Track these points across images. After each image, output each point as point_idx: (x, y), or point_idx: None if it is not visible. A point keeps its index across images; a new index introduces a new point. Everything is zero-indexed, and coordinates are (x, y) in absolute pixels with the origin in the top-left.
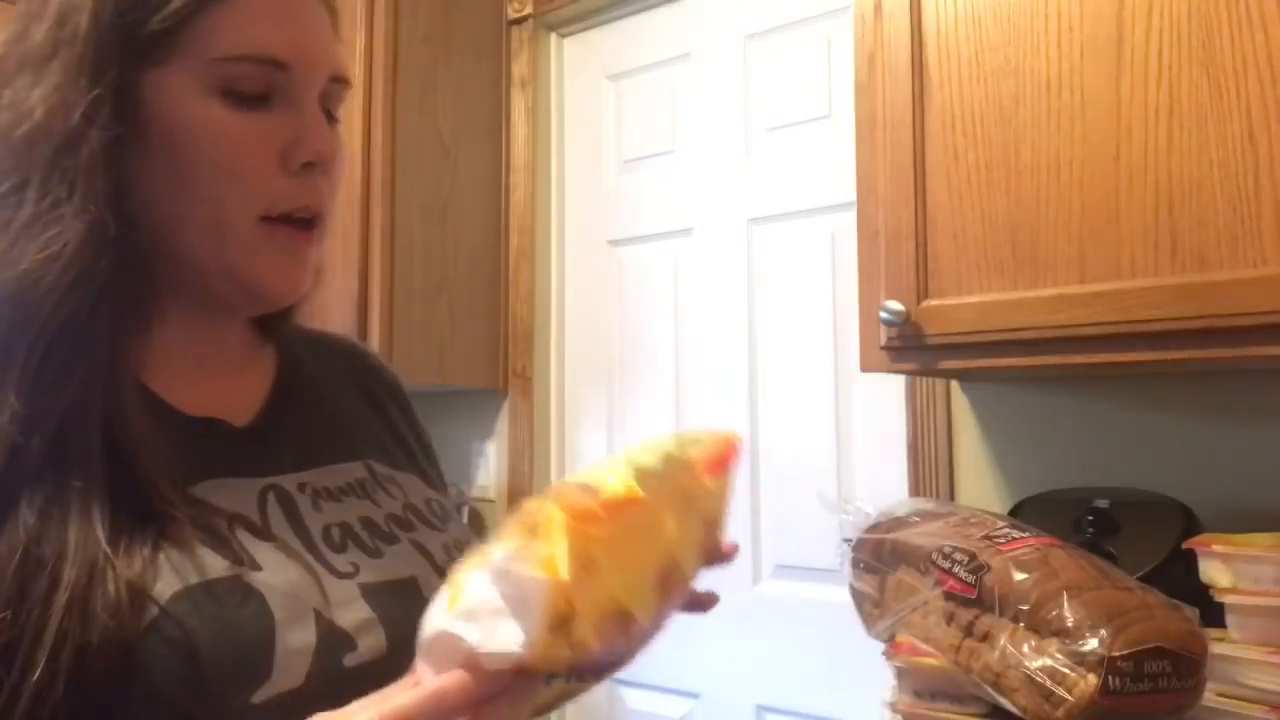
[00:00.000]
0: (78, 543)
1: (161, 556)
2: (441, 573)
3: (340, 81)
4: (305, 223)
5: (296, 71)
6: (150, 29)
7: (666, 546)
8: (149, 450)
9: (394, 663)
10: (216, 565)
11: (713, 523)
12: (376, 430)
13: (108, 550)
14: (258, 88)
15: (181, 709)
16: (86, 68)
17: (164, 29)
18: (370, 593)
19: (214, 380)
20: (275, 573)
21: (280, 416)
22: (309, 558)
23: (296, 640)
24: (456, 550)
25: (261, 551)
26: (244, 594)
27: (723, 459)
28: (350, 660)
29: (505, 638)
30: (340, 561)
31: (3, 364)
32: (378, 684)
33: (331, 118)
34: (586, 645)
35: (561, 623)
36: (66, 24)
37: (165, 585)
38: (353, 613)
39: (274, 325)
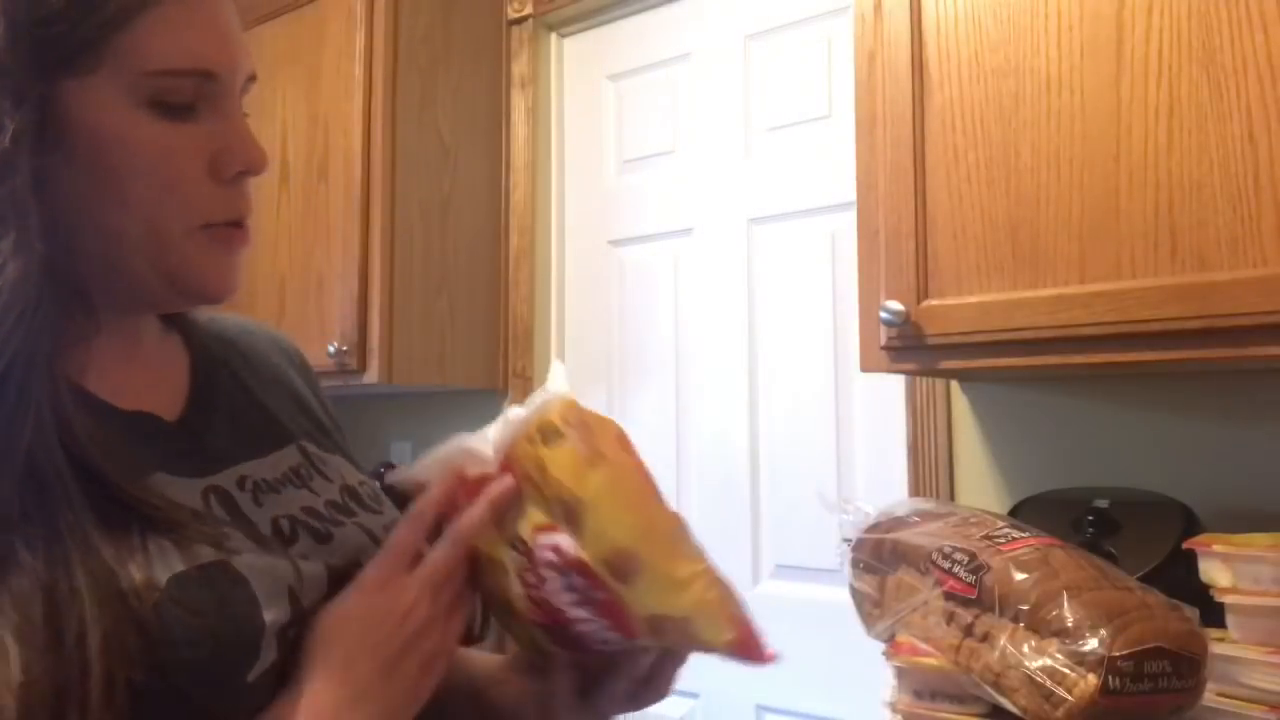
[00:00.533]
0: (91, 579)
1: (153, 550)
2: None
3: (252, 79)
4: (239, 223)
5: (223, 80)
6: (75, 39)
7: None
8: (103, 452)
9: None
10: (204, 551)
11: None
12: (297, 413)
13: (121, 576)
14: (186, 98)
15: (190, 695)
16: (7, 87)
17: (89, 39)
18: (332, 574)
19: (139, 373)
20: (251, 557)
21: (206, 407)
22: (272, 546)
23: (275, 618)
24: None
25: (234, 538)
26: (233, 577)
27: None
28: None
29: (481, 441)
30: (294, 550)
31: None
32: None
33: (246, 115)
34: (553, 509)
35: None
36: None
37: (163, 572)
38: (318, 591)
39: (174, 315)
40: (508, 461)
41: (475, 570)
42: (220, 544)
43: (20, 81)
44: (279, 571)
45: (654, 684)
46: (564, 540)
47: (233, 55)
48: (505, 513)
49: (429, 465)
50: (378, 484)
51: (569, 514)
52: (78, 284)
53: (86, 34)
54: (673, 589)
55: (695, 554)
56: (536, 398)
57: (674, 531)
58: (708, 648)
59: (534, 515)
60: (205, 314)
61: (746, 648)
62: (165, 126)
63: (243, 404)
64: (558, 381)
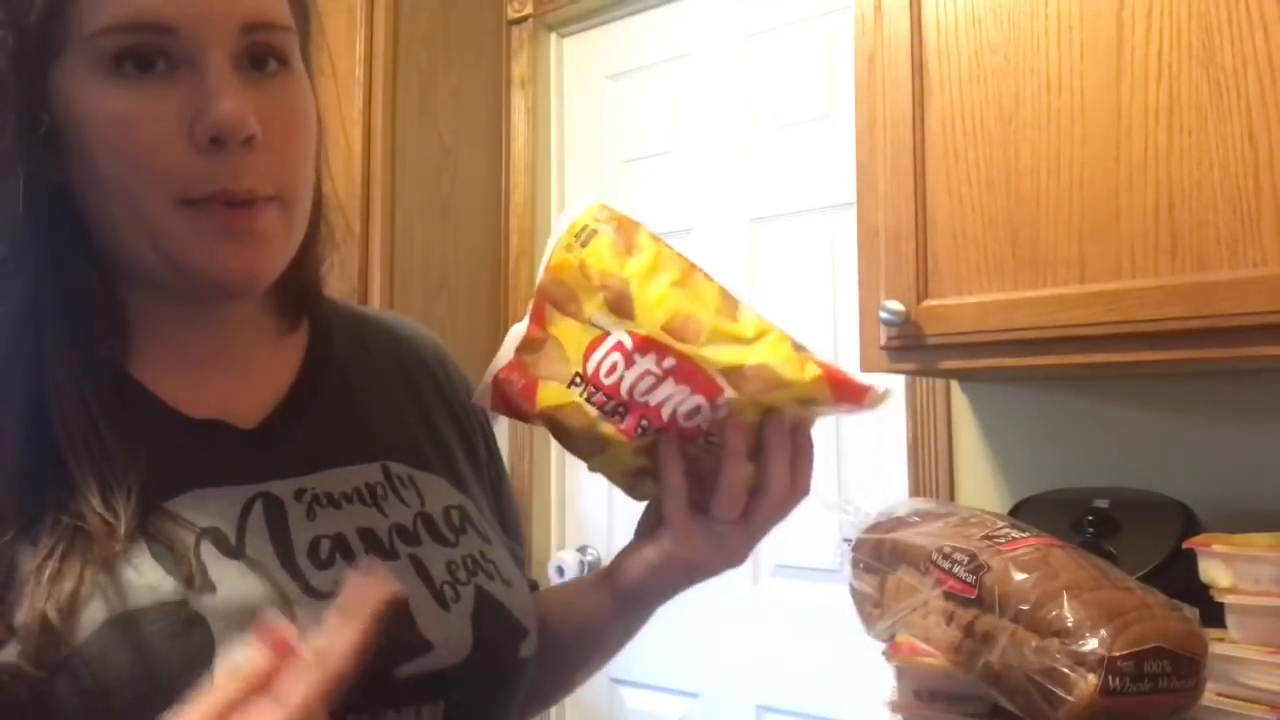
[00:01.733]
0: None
1: (99, 580)
2: (439, 596)
3: (263, 27)
4: (241, 200)
5: (187, 33)
6: (34, 20)
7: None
8: (122, 460)
9: (373, 690)
10: (164, 587)
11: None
12: (410, 425)
13: (35, 579)
14: (143, 55)
15: None
16: (5, 89)
17: (47, 15)
18: None
19: (221, 378)
20: (232, 593)
21: (293, 416)
22: (281, 574)
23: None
24: (463, 569)
25: (224, 570)
26: (181, 621)
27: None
28: None
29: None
30: (321, 579)
31: None
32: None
33: (271, 65)
34: (599, 318)
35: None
36: None
37: (91, 615)
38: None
39: (299, 311)
40: (546, 282)
41: (560, 429)
42: (189, 582)
43: (5, 86)
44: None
45: (775, 466)
46: (617, 337)
47: (196, 11)
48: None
49: (497, 360)
50: (462, 508)
51: (617, 301)
52: (106, 277)
53: (45, 9)
54: (740, 343)
55: (756, 315)
56: (566, 214)
57: (727, 298)
58: (799, 392)
59: (578, 342)
60: (372, 313)
61: (839, 385)
62: (127, 92)
63: (340, 412)
64: (585, 199)
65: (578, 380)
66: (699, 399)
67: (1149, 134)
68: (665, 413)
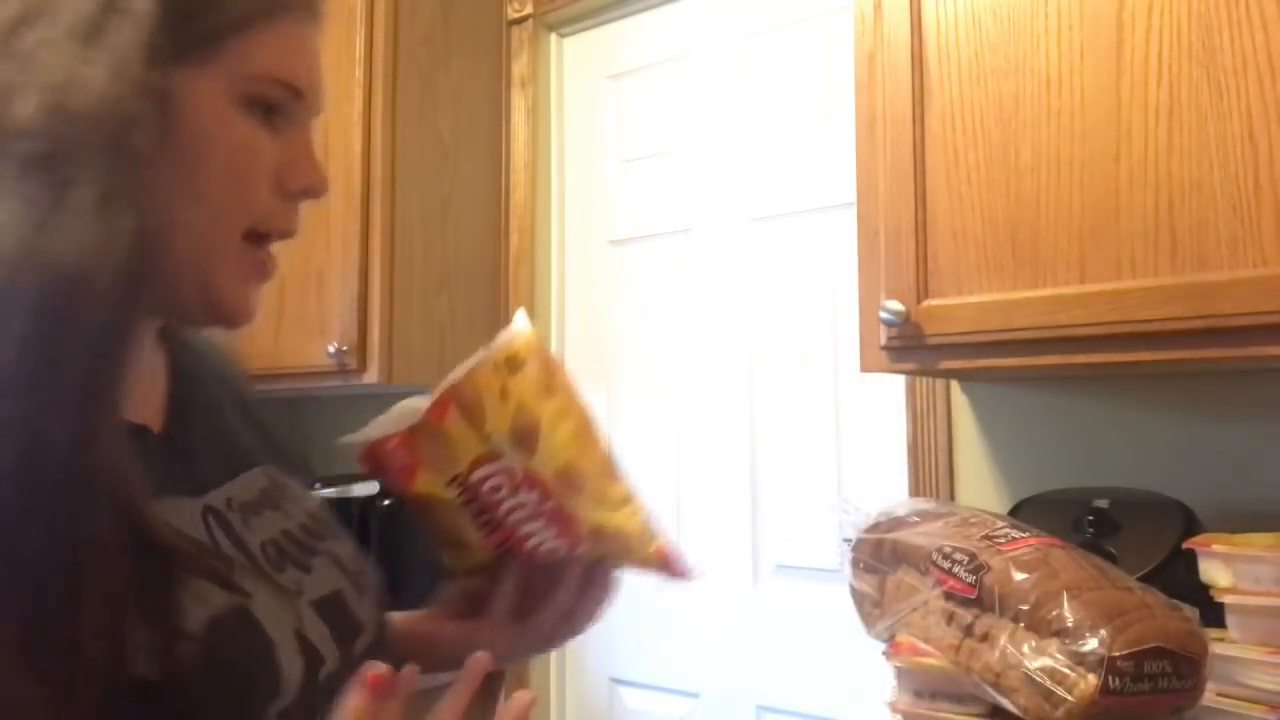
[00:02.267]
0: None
1: (180, 590)
2: (357, 584)
3: (318, 114)
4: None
5: (308, 101)
6: (197, 33)
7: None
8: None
9: (346, 674)
10: (215, 599)
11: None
12: (250, 433)
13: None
14: (275, 105)
15: None
16: (142, 57)
17: (208, 35)
18: (318, 608)
19: (137, 381)
20: (259, 597)
21: (186, 422)
22: (265, 579)
23: (290, 660)
24: (357, 560)
25: (238, 572)
26: (248, 621)
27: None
28: (321, 674)
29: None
30: (286, 580)
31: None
32: (335, 695)
33: None
34: (497, 438)
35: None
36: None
37: (194, 615)
38: (316, 629)
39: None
40: (463, 386)
41: (424, 513)
42: (231, 585)
43: (153, 57)
44: (284, 615)
45: (587, 602)
46: (510, 464)
47: (317, 83)
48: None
49: (382, 423)
50: (323, 501)
51: (524, 433)
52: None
53: (206, 30)
54: (611, 504)
55: (628, 483)
56: (502, 336)
57: (610, 461)
58: (636, 559)
59: (469, 449)
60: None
61: (668, 561)
62: (250, 128)
63: (216, 425)
64: (520, 323)
65: (456, 482)
66: (561, 543)
67: (1149, 134)
68: (530, 544)
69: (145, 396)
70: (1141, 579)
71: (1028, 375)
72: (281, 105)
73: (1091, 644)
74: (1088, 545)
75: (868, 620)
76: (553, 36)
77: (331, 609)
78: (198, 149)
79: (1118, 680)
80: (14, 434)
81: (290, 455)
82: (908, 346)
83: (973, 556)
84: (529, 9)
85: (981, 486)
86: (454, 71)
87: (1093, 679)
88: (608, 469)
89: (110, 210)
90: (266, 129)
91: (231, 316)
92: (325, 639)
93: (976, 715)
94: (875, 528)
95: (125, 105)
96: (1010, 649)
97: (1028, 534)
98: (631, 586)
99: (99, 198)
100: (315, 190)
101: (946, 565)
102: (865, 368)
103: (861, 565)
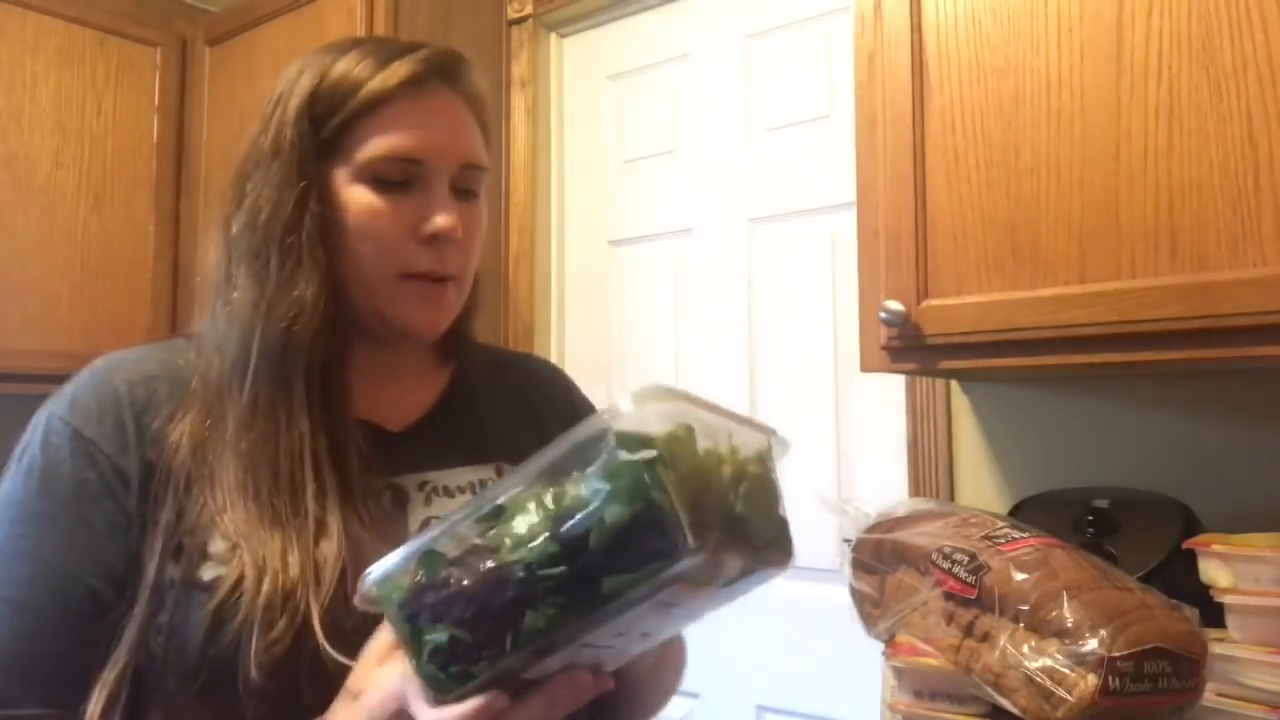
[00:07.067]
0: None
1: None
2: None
3: (473, 167)
4: (438, 277)
5: (428, 163)
6: (324, 136)
7: None
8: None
9: None
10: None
11: None
12: (523, 439)
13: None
14: (398, 176)
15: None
16: (294, 167)
17: (332, 136)
18: None
19: (385, 392)
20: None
21: (432, 424)
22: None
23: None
24: None
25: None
26: None
27: None
28: None
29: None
30: None
31: (285, 394)
32: None
33: (470, 194)
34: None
35: None
36: (281, 136)
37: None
38: None
39: (451, 349)
40: None
41: None
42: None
43: (301, 166)
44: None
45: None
46: None
47: (438, 146)
48: None
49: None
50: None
51: None
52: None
53: (331, 132)
54: None
55: None
56: None
57: None
58: None
59: None
60: (511, 354)
61: None
62: (380, 198)
63: (467, 423)
64: None
65: None
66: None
67: (1149, 134)
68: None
69: (394, 403)
70: (1141, 579)
71: (1028, 375)
72: (406, 173)
73: (1091, 644)
74: (1088, 545)
75: (868, 620)
76: (553, 36)
77: None
78: (343, 221)
79: (1118, 680)
80: None
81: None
82: (908, 346)
83: (973, 556)
84: (529, 9)
85: (981, 486)
86: None
87: (1093, 679)
88: None
89: (299, 276)
90: (397, 194)
91: (408, 333)
92: None
93: (976, 715)
94: (875, 528)
95: (288, 206)
96: (1010, 649)
97: (1028, 534)
98: None
99: (291, 270)
100: (443, 233)
101: (946, 565)
102: (865, 368)
103: (861, 565)
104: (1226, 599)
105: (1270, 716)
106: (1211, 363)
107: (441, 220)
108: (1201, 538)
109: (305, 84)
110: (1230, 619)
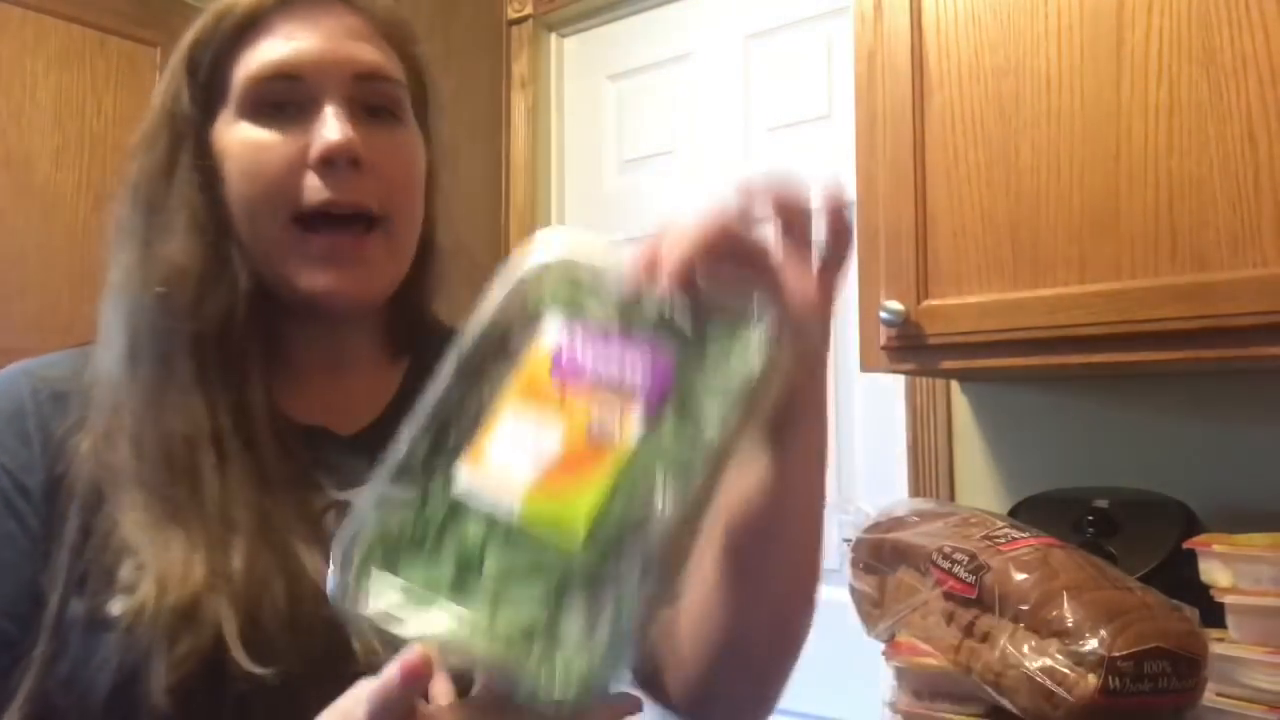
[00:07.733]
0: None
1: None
2: None
3: (373, 78)
4: (346, 223)
5: (309, 78)
6: (202, 81)
7: None
8: (257, 456)
9: None
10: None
11: None
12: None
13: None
14: (277, 98)
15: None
16: (171, 127)
17: (209, 79)
18: None
19: (334, 389)
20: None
21: (387, 427)
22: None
23: None
24: None
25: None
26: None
27: None
28: None
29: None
30: None
31: (168, 368)
32: None
33: (385, 114)
34: None
35: None
36: (165, 101)
37: None
38: None
39: (407, 340)
40: None
41: None
42: None
43: (178, 128)
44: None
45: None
46: None
47: (318, 56)
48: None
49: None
50: None
51: None
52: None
53: (208, 74)
54: None
55: None
56: None
57: None
58: None
59: None
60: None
61: None
62: (258, 129)
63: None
64: None
65: None
66: None
67: (1149, 134)
68: None
69: (343, 405)
70: (1141, 579)
71: (1028, 375)
72: (285, 98)
73: (1091, 644)
74: (1088, 545)
75: (868, 620)
76: (553, 36)
77: None
78: (226, 168)
79: (1118, 680)
80: None
81: None
82: (908, 346)
83: (973, 556)
84: (529, 9)
85: (981, 486)
86: (454, 71)
87: (1093, 679)
88: None
89: (170, 238)
90: (280, 123)
91: (318, 301)
92: None
93: (976, 715)
94: (875, 528)
95: (167, 163)
96: (1010, 649)
97: (1027, 534)
98: None
99: (162, 233)
100: (330, 151)
101: (946, 565)
102: (865, 368)
103: (861, 565)
104: (1226, 599)
105: (1270, 716)
106: (1211, 363)
107: (330, 133)
108: (1201, 538)
109: (187, 38)
110: (1230, 619)
